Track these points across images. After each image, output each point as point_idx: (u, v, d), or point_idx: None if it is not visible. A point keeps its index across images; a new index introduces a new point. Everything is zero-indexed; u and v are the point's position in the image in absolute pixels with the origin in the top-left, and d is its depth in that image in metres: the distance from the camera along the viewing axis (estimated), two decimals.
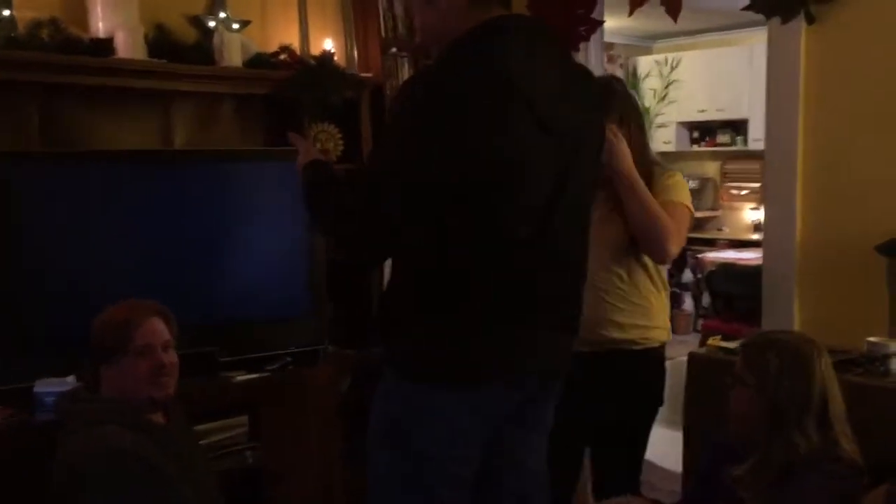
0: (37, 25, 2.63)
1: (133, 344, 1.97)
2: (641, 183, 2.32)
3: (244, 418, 2.89)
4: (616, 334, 2.42)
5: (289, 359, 3.06)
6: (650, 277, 2.45)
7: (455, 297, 1.60)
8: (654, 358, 2.49)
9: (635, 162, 2.36)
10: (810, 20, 2.80)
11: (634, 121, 2.46)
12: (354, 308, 3.37)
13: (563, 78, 1.64)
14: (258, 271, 3.04)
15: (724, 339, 2.77)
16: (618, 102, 2.40)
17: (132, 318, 2.01)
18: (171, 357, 2.04)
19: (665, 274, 2.53)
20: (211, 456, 2.59)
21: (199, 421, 2.66)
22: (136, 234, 2.82)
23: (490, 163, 1.53)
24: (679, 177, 2.49)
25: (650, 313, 2.45)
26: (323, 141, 3.27)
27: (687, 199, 2.44)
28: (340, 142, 3.33)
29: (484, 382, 1.63)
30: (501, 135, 1.52)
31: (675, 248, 2.34)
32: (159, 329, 2.03)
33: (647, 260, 2.43)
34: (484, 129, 1.52)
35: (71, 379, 2.42)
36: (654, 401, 2.54)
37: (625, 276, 2.41)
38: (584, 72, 1.83)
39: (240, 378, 2.91)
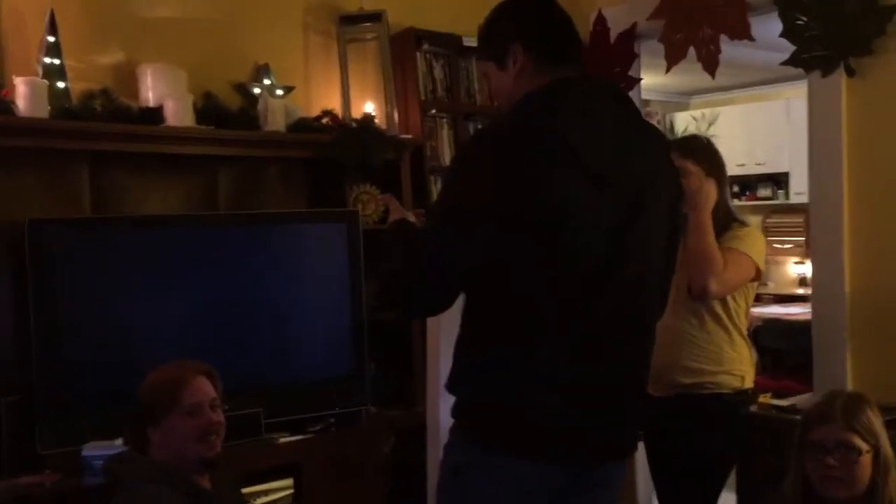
0: (90, 96, 2.72)
1: (181, 404, 1.97)
2: (709, 224, 2.41)
3: (289, 480, 2.88)
4: (685, 379, 2.45)
5: (332, 420, 3.06)
6: (721, 324, 2.47)
7: (515, 360, 1.58)
8: (726, 403, 2.45)
9: (715, 214, 2.45)
10: (850, 73, 2.79)
11: (716, 176, 2.52)
12: (397, 368, 3.36)
13: (624, 134, 1.65)
14: (301, 333, 3.06)
15: (775, 396, 2.71)
16: (707, 154, 2.52)
17: (179, 378, 2.01)
18: (219, 416, 2.04)
19: (743, 322, 2.52)
20: None
21: (244, 483, 2.65)
22: (182, 297, 2.86)
23: (533, 213, 1.54)
24: (752, 231, 2.56)
25: (721, 358, 2.45)
26: (364, 202, 3.31)
27: (751, 251, 2.46)
28: (381, 202, 3.36)
29: (547, 457, 1.59)
30: (546, 187, 1.53)
31: (714, 286, 2.38)
32: (207, 388, 2.03)
33: (719, 307, 2.46)
34: (529, 181, 1.53)
35: (119, 442, 2.44)
36: (724, 450, 2.48)
37: (695, 321, 2.46)
38: (652, 129, 1.83)
39: (283, 440, 2.91)
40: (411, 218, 1.84)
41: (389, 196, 1.98)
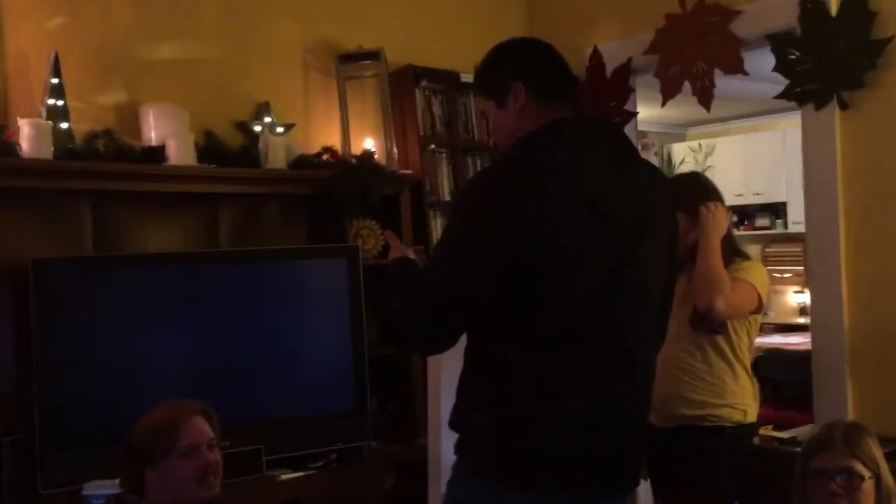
0: (93, 136, 2.76)
1: (178, 445, 1.96)
2: (717, 247, 2.44)
3: None
4: (687, 411, 2.46)
5: (333, 456, 3.05)
6: (725, 358, 2.49)
7: (515, 396, 1.59)
8: (729, 437, 2.45)
9: (722, 243, 2.48)
10: (843, 106, 2.83)
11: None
12: (398, 404, 3.36)
13: (623, 171, 1.67)
14: (302, 368, 3.06)
15: (776, 427, 2.71)
16: (697, 192, 2.56)
17: (176, 419, 1.99)
18: (216, 456, 2.03)
19: (746, 357, 2.54)
20: None
21: None
22: (183, 334, 2.88)
23: (534, 251, 1.55)
24: (755, 264, 2.61)
25: (723, 392, 2.46)
26: (364, 237, 3.33)
27: (754, 281, 2.49)
28: (381, 237, 3.38)
29: (550, 489, 1.59)
30: (547, 224, 1.55)
31: (720, 304, 2.39)
32: (203, 428, 2.02)
33: (722, 340, 2.48)
34: (530, 217, 1.55)
35: (119, 482, 2.43)
36: (725, 483, 2.46)
37: (698, 354, 2.47)
38: (650, 166, 1.85)
39: (285, 476, 2.90)
40: (411, 255, 1.86)
41: (390, 233, 2.00)
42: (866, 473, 1.86)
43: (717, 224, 2.48)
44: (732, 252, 2.55)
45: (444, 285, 1.61)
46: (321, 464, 3.00)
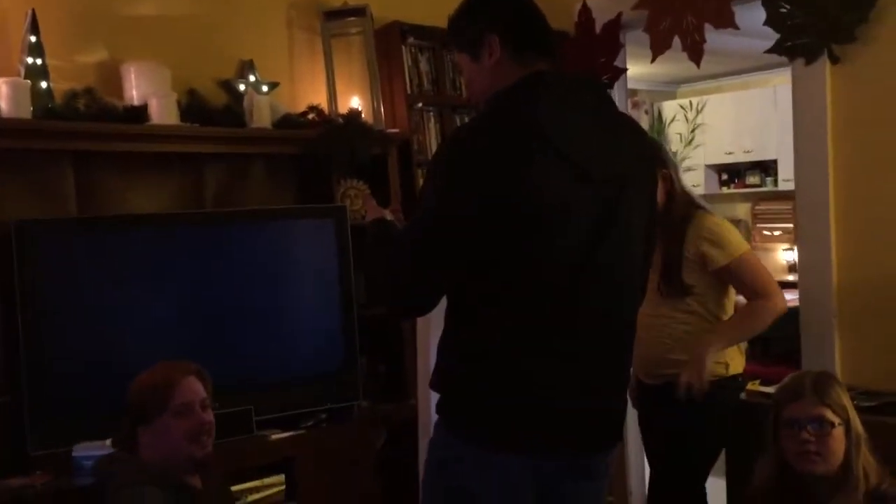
0: (73, 96, 2.71)
1: (172, 404, 1.98)
2: (722, 341, 2.47)
3: (281, 477, 2.88)
4: (670, 370, 2.50)
5: (324, 415, 3.06)
6: (701, 316, 2.53)
7: (496, 357, 1.58)
8: (713, 390, 2.47)
9: (680, 208, 2.51)
10: (834, 60, 2.80)
11: (675, 171, 2.59)
12: (388, 363, 3.36)
13: (604, 128, 1.64)
14: (291, 329, 3.05)
15: (764, 383, 2.73)
16: (671, 165, 2.59)
17: (170, 378, 2.01)
18: (209, 416, 2.04)
19: (724, 312, 2.57)
20: None
21: (236, 480, 2.65)
22: (171, 295, 2.86)
23: (516, 209, 1.52)
24: (722, 227, 2.55)
25: None
26: (352, 197, 3.31)
27: (742, 244, 2.51)
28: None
29: (531, 450, 1.59)
30: (529, 182, 1.52)
31: (782, 305, 2.48)
32: (197, 388, 2.03)
33: (694, 302, 2.52)
34: (509, 176, 1.51)
35: (109, 442, 2.43)
36: (706, 434, 2.51)
37: (677, 316, 2.52)
38: (630, 122, 1.81)
39: (275, 436, 2.92)
40: (389, 216, 1.83)
41: (366, 194, 1.97)
42: (836, 420, 1.92)
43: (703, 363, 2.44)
44: (689, 205, 2.56)
45: (424, 244, 1.58)
46: (311, 423, 3.01)
